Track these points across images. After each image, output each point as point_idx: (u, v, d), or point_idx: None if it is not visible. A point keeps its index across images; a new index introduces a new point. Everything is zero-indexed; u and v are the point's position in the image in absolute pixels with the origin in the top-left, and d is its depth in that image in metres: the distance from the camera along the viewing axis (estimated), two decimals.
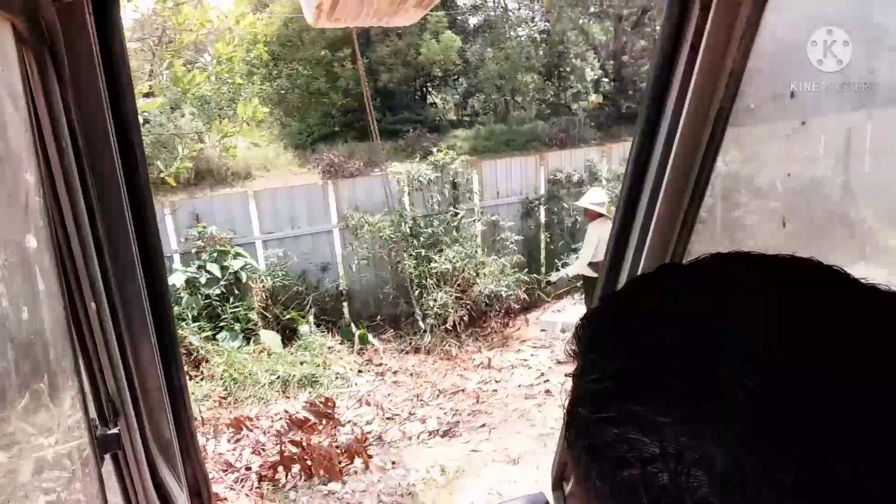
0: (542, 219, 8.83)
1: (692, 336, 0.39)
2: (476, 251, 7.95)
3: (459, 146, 14.95)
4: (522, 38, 19.16)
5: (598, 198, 6.77)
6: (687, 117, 1.18)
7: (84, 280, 1.03)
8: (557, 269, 7.96)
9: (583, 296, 7.65)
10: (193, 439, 1.38)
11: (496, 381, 6.53)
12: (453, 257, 7.55)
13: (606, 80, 18.91)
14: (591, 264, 6.81)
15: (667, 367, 0.38)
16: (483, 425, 5.59)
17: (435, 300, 7.37)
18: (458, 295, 7.50)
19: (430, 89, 20.01)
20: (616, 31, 19.31)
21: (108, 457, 1.17)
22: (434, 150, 8.67)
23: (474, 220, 8.22)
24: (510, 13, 19.59)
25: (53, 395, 1.09)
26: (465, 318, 7.50)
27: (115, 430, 1.15)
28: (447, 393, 6.28)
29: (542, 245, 8.88)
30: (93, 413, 1.12)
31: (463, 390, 6.33)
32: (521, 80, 18.49)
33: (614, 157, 9.33)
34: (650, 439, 0.35)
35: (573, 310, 7.90)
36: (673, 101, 1.20)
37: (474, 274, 7.61)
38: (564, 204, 8.67)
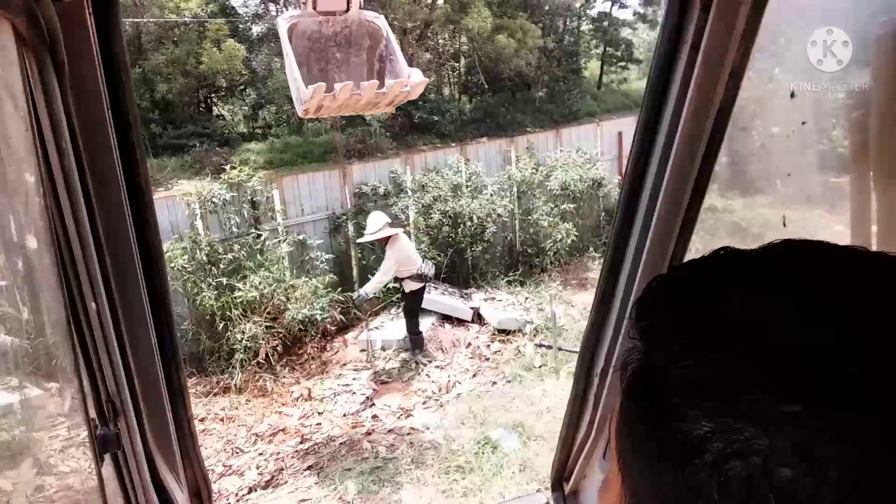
0: (352, 234, 8.51)
1: (803, 329, 0.37)
2: (284, 274, 7.38)
3: (254, 160, 14.04)
4: None
5: (376, 225, 6.58)
6: (687, 117, 1.17)
7: (84, 280, 1.02)
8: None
9: (400, 311, 7.49)
10: (193, 439, 1.40)
11: (319, 413, 6.07)
12: (260, 283, 6.93)
13: None
14: (414, 277, 6.66)
15: (780, 360, 0.36)
16: (310, 467, 5.11)
17: (243, 332, 6.68)
18: (268, 324, 6.90)
19: (215, 101, 18.64)
20: (402, 44, 19.67)
21: (108, 457, 1.17)
22: (227, 166, 7.92)
23: (279, 241, 7.64)
24: None
25: (53, 395, 1.15)
26: (278, 348, 6.92)
27: (115, 430, 1.15)
28: (266, 436, 5.68)
29: (354, 261, 8.56)
30: (93, 413, 1.13)
31: (283, 430, 5.78)
32: None
33: (417, 166, 9.34)
34: (766, 432, 0.33)
35: (392, 325, 7.68)
36: (673, 101, 1.19)
37: (285, 299, 7.05)
38: None
